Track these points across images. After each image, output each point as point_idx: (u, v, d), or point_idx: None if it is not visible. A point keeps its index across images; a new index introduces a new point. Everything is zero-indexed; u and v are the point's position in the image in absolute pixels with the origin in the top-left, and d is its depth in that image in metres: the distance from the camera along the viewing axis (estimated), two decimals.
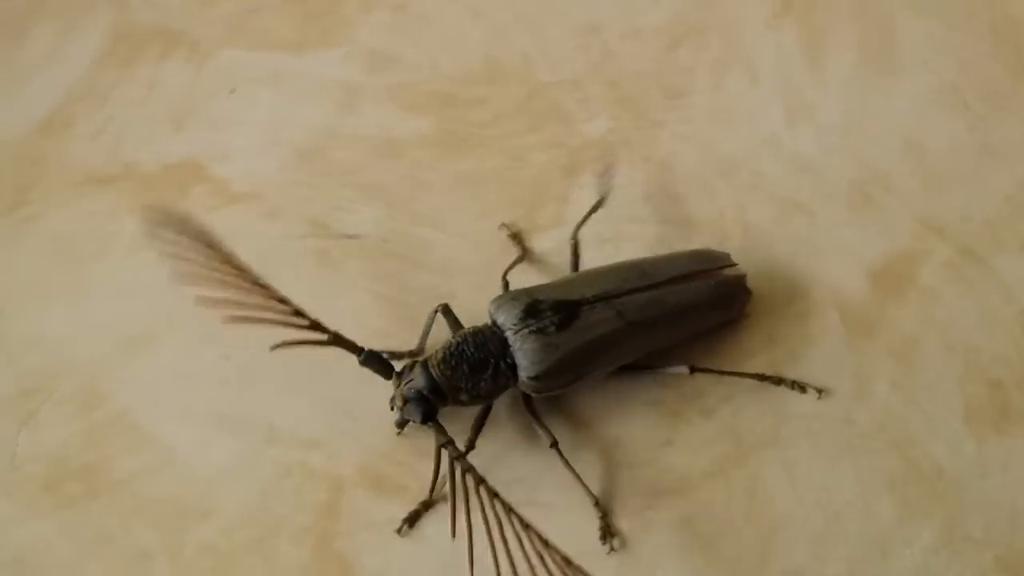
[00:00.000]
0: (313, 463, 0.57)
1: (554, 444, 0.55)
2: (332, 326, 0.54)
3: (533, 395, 0.55)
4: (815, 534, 0.53)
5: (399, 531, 0.55)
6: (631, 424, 0.57)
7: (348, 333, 0.54)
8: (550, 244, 0.63)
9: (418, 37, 0.73)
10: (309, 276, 0.64)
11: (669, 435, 0.57)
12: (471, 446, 0.54)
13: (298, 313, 0.52)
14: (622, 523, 0.54)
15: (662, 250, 0.62)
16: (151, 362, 0.61)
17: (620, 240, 0.62)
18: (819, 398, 0.57)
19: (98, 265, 0.65)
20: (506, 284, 0.59)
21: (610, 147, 0.66)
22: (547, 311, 0.55)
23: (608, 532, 0.54)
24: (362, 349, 0.54)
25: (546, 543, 0.46)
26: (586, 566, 0.44)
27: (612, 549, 0.54)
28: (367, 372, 0.53)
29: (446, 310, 0.58)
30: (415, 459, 0.56)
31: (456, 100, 0.68)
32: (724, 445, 0.56)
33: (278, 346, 0.50)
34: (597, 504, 0.55)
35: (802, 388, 0.57)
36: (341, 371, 0.57)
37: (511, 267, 0.61)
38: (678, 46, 0.69)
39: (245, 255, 0.61)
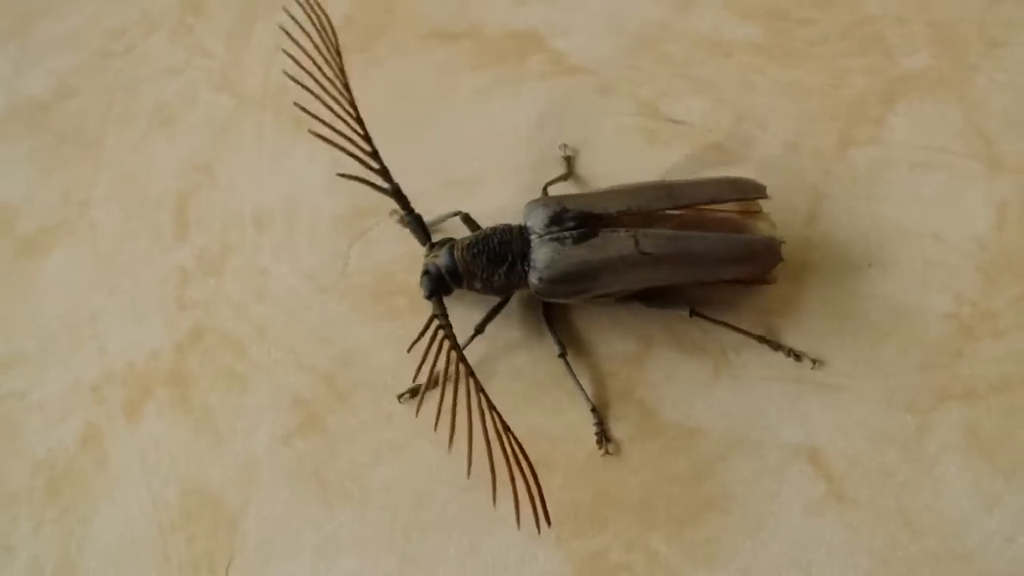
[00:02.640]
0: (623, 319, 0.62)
1: (562, 354, 0.60)
2: None
3: (540, 298, 0.59)
4: None
5: (400, 397, 0.61)
6: (922, 332, 0.61)
7: None
8: (862, 159, 0.67)
9: None
10: (635, 151, 0.68)
11: (961, 347, 0.59)
12: (481, 330, 0.60)
13: (374, 155, 0.57)
14: (908, 417, 0.59)
15: (969, 182, 0.65)
16: (478, 203, 0.67)
17: (929, 167, 0.66)
18: (812, 368, 0.60)
19: (437, 111, 0.70)
20: (544, 192, 0.64)
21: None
22: (570, 220, 0.58)
23: (604, 437, 0.59)
24: (411, 210, 0.59)
25: (492, 407, 0.51)
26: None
27: (607, 452, 0.58)
28: None
29: (466, 218, 0.63)
30: (717, 329, 0.61)
31: (787, 16, 0.72)
32: (1012, 365, 0.59)
33: (342, 175, 0.56)
34: (594, 410, 0.59)
35: (797, 356, 0.60)
36: None
37: (553, 182, 0.66)
38: (1003, 0, 0.72)
39: (574, 123, 0.66)
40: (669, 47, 0.72)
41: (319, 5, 0.57)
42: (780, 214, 0.61)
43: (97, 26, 0.77)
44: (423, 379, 0.53)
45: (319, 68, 0.56)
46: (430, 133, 0.71)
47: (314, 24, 0.56)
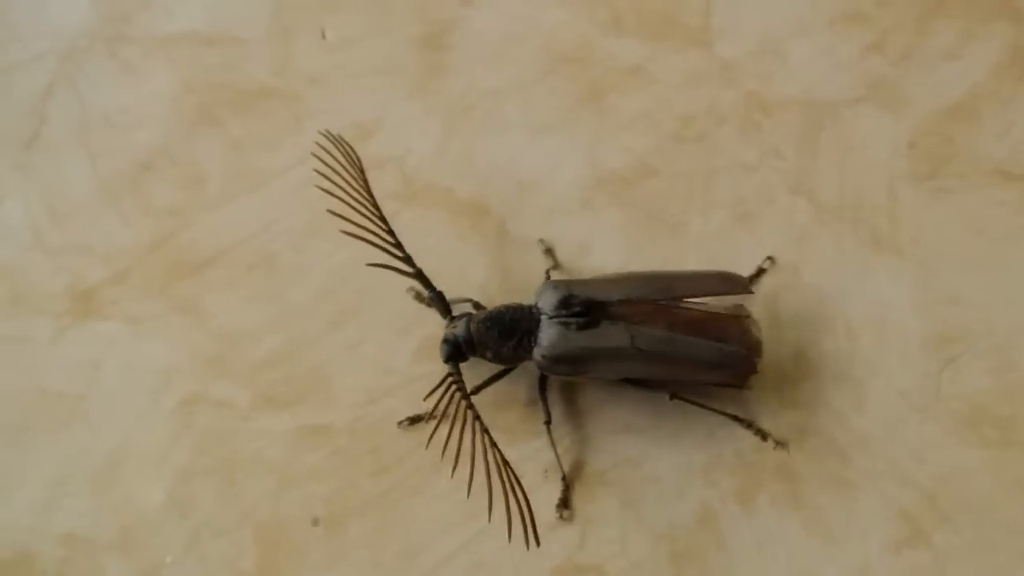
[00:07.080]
0: None
1: (547, 422, 0.68)
2: None
3: (541, 371, 0.67)
4: None
5: (400, 424, 0.72)
6: None
7: None
8: None
9: None
10: None
11: None
12: (475, 391, 0.66)
13: (398, 246, 0.67)
14: None
15: None
16: None
17: None
18: (774, 449, 0.70)
19: (1009, 247, 0.76)
20: (547, 276, 0.73)
21: None
22: (577, 305, 0.66)
23: (564, 503, 0.68)
24: (434, 288, 0.69)
25: (494, 444, 0.59)
26: None
27: (561, 518, 0.68)
28: None
29: (475, 305, 0.71)
30: None
31: None
32: None
33: (372, 264, 0.66)
34: (564, 478, 0.69)
35: (763, 436, 0.70)
36: None
37: (549, 270, 0.76)
38: None
39: None
40: None
41: (342, 140, 0.69)
42: None
43: (667, 110, 0.82)
44: (435, 433, 0.61)
45: (348, 182, 0.67)
46: (1008, 268, 0.76)
47: (340, 151, 0.68)
